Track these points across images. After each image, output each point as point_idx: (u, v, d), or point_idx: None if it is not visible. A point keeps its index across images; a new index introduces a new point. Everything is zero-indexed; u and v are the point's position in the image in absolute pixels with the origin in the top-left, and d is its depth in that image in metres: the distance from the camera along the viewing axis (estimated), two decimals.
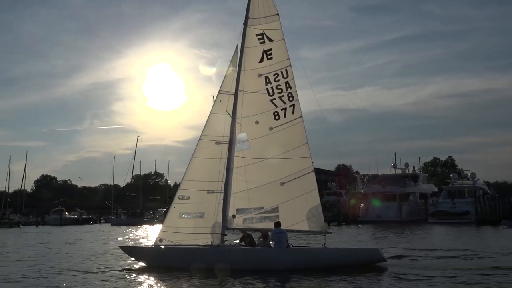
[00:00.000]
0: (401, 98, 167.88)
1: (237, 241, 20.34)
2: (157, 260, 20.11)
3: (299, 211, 19.78)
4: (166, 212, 21.28)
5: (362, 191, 69.97)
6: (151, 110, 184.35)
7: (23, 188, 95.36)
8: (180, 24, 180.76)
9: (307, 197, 19.84)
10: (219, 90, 21.06)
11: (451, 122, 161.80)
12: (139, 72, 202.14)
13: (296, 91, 20.71)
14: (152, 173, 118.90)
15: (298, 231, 19.91)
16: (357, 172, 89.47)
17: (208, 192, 20.56)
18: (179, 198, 20.76)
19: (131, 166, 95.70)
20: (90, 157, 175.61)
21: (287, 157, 20.23)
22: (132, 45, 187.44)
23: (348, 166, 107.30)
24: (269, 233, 19.38)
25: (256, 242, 20.06)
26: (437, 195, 69.81)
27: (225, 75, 21.11)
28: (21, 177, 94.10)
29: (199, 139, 20.93)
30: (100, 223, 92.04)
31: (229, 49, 20.99)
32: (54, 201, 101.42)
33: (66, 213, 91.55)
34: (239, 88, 20.72)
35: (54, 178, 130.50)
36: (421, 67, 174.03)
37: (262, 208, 20.07)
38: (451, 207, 59.16)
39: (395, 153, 77.90)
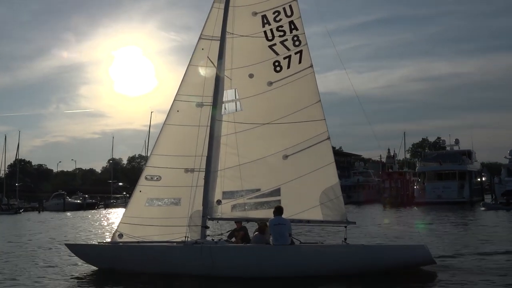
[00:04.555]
0: (372, 81, 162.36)
1: (222, 236, 14.04)
2: (112, 262, 13.91)
3: (309, 193, 13.55)
4: (129, 198, 14.87)
5: (417, 170, 62.90)
6: (119, 94, 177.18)
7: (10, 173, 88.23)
8: (148, 5, 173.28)
9: (321, 174, 13.57)
10: (200, 35, 14.91)
11: (421, 105, 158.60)
12: (106, 55, 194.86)
13: (304, 34, 14.56)
14: (136, 156, 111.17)
15: (308, 222, 13.58)
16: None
17: (187, 170, 14.40)
18: (146, 178, 14.61)
19: (144, 147, 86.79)
20: (56, 142, 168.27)
21: (292, 121, 14.03)
22: (99, 26, 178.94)
23: (338, 148, 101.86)
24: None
25: (251, 238, 13.81)
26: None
27: (209, 14, 14.95)
28: None
29: (174, 100, 14.78)
30: (105, 208, 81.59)
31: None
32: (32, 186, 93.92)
33: (67, 197, 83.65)
34: (228, 30, 14.59)
35: (29, 162, 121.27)
36: (391, 51, 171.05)
37: (258, 190, 13.86)
38: None
39: (404, 133, 75.09)
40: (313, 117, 13.94)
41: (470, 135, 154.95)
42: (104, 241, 15.04)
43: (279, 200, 13.57)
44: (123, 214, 14.50)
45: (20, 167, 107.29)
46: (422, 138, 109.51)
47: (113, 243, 14.20)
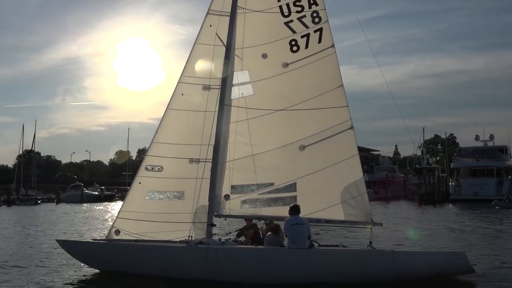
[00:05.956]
0: (378, 77, 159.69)
1: (230, 235, 12.38)
2: (107, 262, 12.29)
3: (329, 189, 11.85)
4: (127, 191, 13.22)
5: (451, 166, 60.63)
6: (124, 86, 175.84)
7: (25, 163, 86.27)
8: None
9: (343, 167, 11.85)
10: (208, 10, 13.13)
11: (426, 102, 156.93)
12: (112, 47, 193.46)
13: (324, 9, 12.75)
14: (147, 148, 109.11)
15: (328, 222, 11.86)
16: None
17: (191, 160, 12.71)
18: (147, 169, 12.93)
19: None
20: (62, 134, 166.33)
21: (310, 107, 12.29)
22: (105, 19, 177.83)
23: None
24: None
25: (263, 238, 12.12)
26: None
27: None
28: None
29: (178, 82, 13.05)
30: (122, 199, 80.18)
31: None
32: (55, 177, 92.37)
33: (84, 188, 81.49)
34: (239, 5, 12.83)
35: (38, 153, 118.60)
36: (397, 47, 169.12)
37: (271, 184, 12.16)
38: None
39: (423, 128, 73.64)
40: (335, 103, 12.19)
41: (468, 133, 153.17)
42: (99, 238, 13.40)
43: (295, 196, 11.90)
44: (121, 208, 12.85)
45: (30, 157, 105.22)
46: (435, 135, 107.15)
47: (108, 241, 12.56)
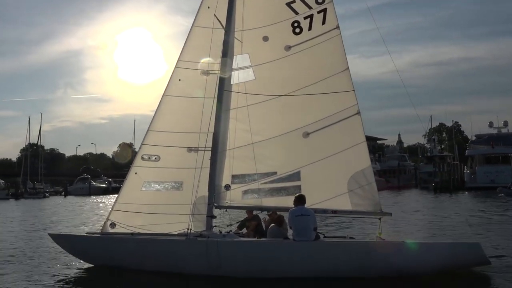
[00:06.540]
0: (380, 66, 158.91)
1: (231, 227, 11.77)
2: (101, 256, 11.68)
3: (335, 178, 11.21)
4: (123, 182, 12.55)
5: (466, 153, 59.93)
6: (126, 78, 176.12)
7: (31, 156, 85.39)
8: None
9: (349, 155, 11.20)
10: None
11: (430, 90, 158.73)
12: (113, 39, 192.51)
13: None
14: None
15: (334, 212, 11.23)
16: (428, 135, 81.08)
17: (190, 149, 12.06)
18: (143, 159, 12.27)
19: None
20: (64, 127, 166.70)
21: (314, 92, 11.61)
22: (105, 10, 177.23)
23: None
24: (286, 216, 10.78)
25: (266, 230, 11.50)
26: None
27: None
28: None
29: (175, 67, 12.35)
30: None
31: None
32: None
33: (92, 181, 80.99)
34: None
35: (42, 146, 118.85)
36: (400, 35, 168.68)
37: (274, 173, 11.51)
38: None
39: (431, 116, 73.15)
40: (340, 87, 11.51)
41: (473, 121, 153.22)
42: (94, 232, 12.78)
43: (299, 186, 11.25)
44: (116, 200, 12.20)
45: (34, 151, 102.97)
46: (440, 123, 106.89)
47: (103, 234, 11.93)
